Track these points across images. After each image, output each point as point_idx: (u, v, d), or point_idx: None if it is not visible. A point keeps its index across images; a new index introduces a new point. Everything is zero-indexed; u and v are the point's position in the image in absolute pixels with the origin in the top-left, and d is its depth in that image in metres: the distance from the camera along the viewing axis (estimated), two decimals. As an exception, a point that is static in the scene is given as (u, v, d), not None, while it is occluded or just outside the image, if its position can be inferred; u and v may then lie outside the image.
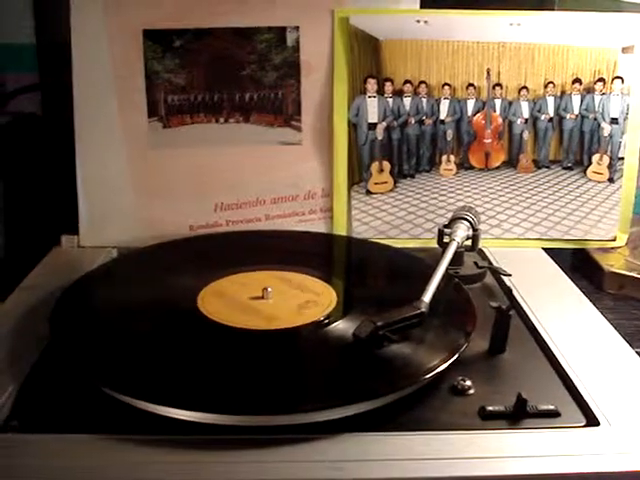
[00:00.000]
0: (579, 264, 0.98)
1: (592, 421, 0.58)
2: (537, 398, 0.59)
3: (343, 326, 0.67)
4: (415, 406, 0.59)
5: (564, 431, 0.57)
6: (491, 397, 0.60)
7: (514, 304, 0.69)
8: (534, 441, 0.55)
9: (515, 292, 0.73)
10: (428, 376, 0.60)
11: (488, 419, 0.58)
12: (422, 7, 0.94)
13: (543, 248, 0.95)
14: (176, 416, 0.55)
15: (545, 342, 0.70)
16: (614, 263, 0.94)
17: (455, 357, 0.62)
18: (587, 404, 0.60)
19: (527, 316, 0.75)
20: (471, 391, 0.61)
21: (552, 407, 0.59)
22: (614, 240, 0.97)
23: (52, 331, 0.65)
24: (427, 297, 0.68)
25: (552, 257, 0.93)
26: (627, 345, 0.70)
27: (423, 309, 0.66)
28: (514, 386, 0.61)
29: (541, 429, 0.57)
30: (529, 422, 0.58)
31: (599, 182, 0.97)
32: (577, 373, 0.64)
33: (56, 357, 0.64)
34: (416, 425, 0.57)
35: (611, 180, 0.96)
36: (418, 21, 0.92)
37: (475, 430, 0.56)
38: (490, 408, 0.58)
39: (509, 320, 0.67)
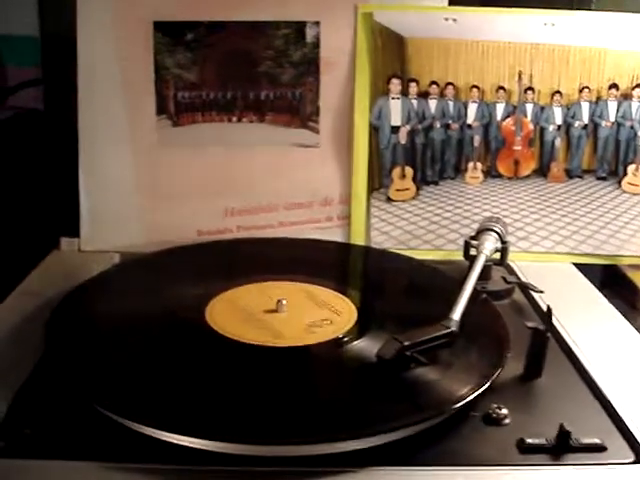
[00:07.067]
0: (609, 281, 0.94)
1: (642, 458, 0.54)
2: (579, 430, 0.54)
3: (364, 345, 0.64)
4: (445, 437, 0.55)
5: (611, 468, 0.53)
6: (529, 428, 0.56)
7: (551, 324, 0.65)
8: (579, 478, 0.51)
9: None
10: (460, 404, 0.55)
11: (527, 453, 0.53)
12: (450, 4, 0.92)
13: (573, 263, 0.92)
14: (179, 442, 0.52)
15: (584, 367, 0.66)
16: (648, 281, 0.90)
17: (489, 383, 0.58)
18: (635, 438, 0.55)
19: (562, 337, 0.71)
20: (507, 420, 0.57)
21: (597, 441, 0.54)
22: (648, 256, 0.94)
23: (47, 343, 0.62)
24: (457, 315, 0.64)
25: (581, 273, 0.89)
26: (673, 371, 0.66)
27: (453, 328, 0.62)
28: (553, 416, 0.57)
29: (586, 465, 0.52)
30: (572, 457, 0.53)
31: (634, 194, 0.94)
32: (621, 402, 0.60)
33: (50, 372, 0.60)
34: (447, 459, 0.53)
35: (647, 192, 0.94)
36: (446, 19, 0.90)
37: (513, 465, 0.52)
38: (530, 441, 0.54)
39: (547, 342, 0.63)
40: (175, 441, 0.52)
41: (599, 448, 0.54)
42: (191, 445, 0.51)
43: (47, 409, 0.56)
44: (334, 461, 0.51)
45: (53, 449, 0.52)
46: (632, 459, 0.54)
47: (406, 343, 0.59)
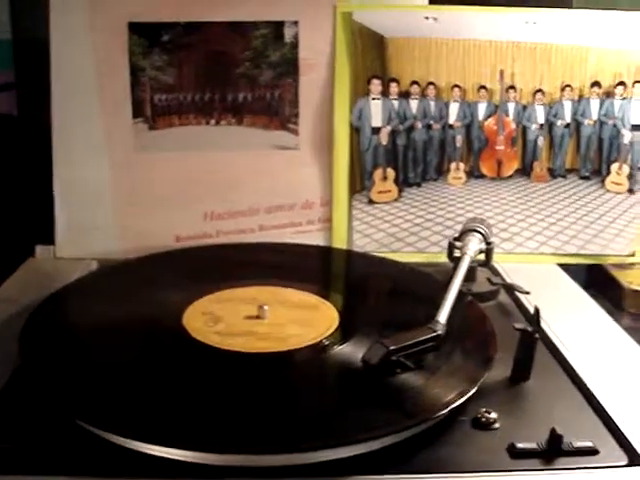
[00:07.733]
0: (594, 281, 0.93)
1: (635, 460, 0.52)
2: (570, 433, 0.53)
3: (348, 350, 0.62)
4: (434, 443, 0.53)
5: (604, 471, 0.51)
6: (519, 432, 0.55)
7: (539, 325, 0.64)
8: (572, 483, 0.50)
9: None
10: (448, 409, 0.54)
11: (519, 457, 0.52)
12: (431, 3, 0.91)
13: (557, 263, 0.91)
14: (159, 454, 0.50)
15: (572, 368, 0.65)
16: (633, 280, 0.89)
17: (478, 386, 0.57)
18: (627, 440, 0.54)
19: (549, 339, 0.70)
20: (496, 425, 0.55)
21: (589, 444, 0.53)
22: (633, 255, 0.93)
23: (22, 352, 0.60)
24: (443, 318, 0.63)
25: (566, 273, 0.89)
26: (662, 372, 0.65)
27: (440, 331, 0.61)
28: (543, 419, 0.57)
29: (578, 469, 0.51)
30: (564, 461, 0.52)
31: (618, 193, 0.93)
32: (612, 403, 0.59)
33: (26, 382, 0.59)
34: (436, 465, 0.51)
35: (631, 191, 0.93)
36: (427, 18, 0.89)
37: (505, 471, 0.51)
38: (521, 445, 0.52)
39: (535, 343, 0.62)
40: (157, 453, 0.50)
41: (591, 451, 0.53)
42: (172, 457, 0.50)
43: (25, 421, 0.55)
44: (319, 470, 0.50)
45: (33, 464, 0.50)
46: (625, 462, 0.52)
47: (392, 347, 0.58)
